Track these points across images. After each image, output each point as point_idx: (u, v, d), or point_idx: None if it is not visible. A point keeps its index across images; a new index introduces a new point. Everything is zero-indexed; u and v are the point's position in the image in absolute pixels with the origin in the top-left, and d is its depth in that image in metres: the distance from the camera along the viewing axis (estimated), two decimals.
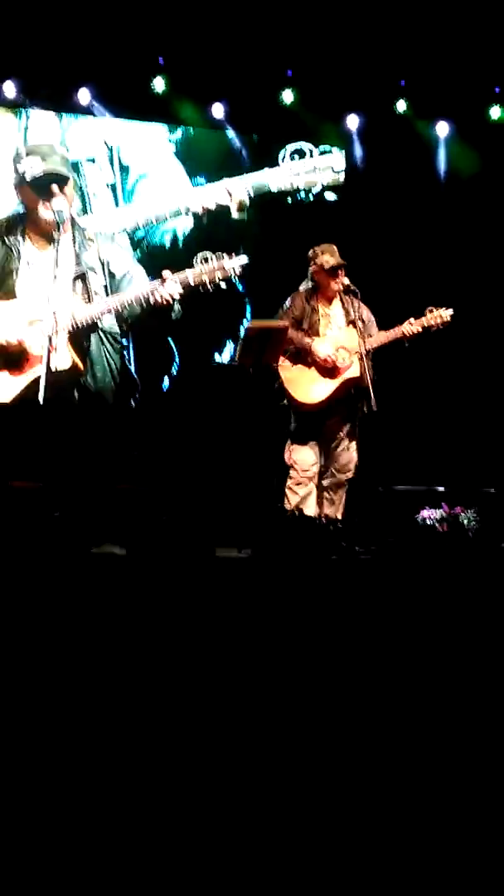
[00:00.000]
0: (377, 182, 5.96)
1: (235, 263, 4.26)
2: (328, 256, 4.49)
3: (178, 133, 5.89)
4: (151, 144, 5.78)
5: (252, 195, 5.74)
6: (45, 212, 4.49)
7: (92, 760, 1.70)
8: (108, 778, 1.65)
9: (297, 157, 5.79)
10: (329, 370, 4.45)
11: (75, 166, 5.29)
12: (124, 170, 5.64)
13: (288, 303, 4.60)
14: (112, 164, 5.62)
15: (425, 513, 4.49)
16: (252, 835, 1.51)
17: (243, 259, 4.28)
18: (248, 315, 5.80)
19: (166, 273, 4.33)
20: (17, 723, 1.81)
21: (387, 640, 2.59)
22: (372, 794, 1.71)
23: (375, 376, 4.52)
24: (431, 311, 4.51)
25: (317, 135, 5.85)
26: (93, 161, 5.57)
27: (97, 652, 2.24)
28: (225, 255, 4.34)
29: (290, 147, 5.79)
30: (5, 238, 4.65)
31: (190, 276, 4.32)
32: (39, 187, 4.47)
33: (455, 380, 5.94)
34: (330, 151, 5.89)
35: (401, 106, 5.85)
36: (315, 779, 1.73)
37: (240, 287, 5.44)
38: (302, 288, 4.63)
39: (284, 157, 5.80)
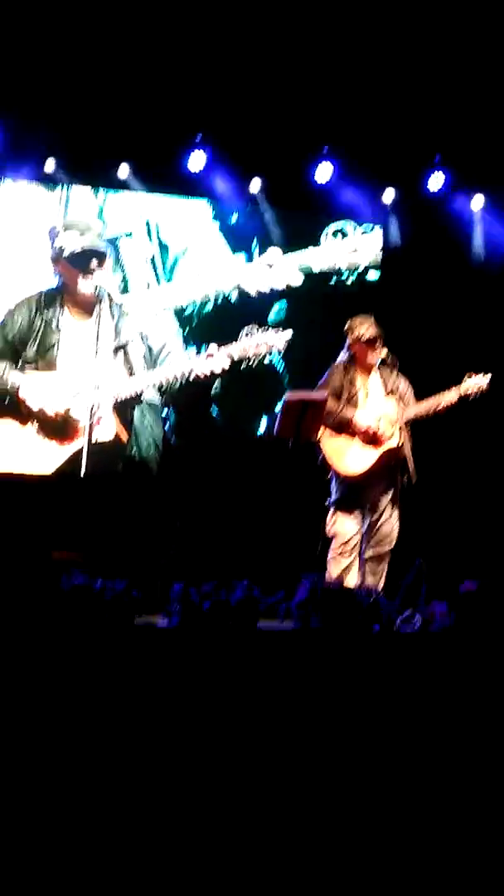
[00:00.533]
0: (413, 257, 6.04)
1: (280, 338, 4.36)
2: (365, 328, 4.55)
3: (216, 210, 5.98)
4: (191, 220, 5.90)
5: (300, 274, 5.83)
6: (84, 286, 4.66)
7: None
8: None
9: (339, 236, 5.90)
10: (371, 440, 4.47)
11: (113, 241, 5.42)
12: (163, 246, 5.79)
13: (326, 375, 4.66)
14: (150, 239, 5.78)
15: (468, 584, 4.41)
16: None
17: (288, 334, 4.38)
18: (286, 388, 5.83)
19: (212, 347, 4.43)
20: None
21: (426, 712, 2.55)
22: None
23: (414, 447, 4.54)
24: (470, 376, 4.52)
25: (353, 211, 5.95)
26: (130, 236, 5.71)
27: (140, 724, 2.23)
28: (270, 328, 4.45)
29: (332, 227, 5.86)
30: (43, 311, 4.82)
31: (235, 349, 4.42)
32: (78, 262, 4.65)
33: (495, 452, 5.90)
34: (371, 230, 5.94)
35: (436, 180, 5.87)
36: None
37: (279, 364, 5.54)
38: (340, 360, 4.69)
39: (326, 236, 5.88)
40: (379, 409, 4.52)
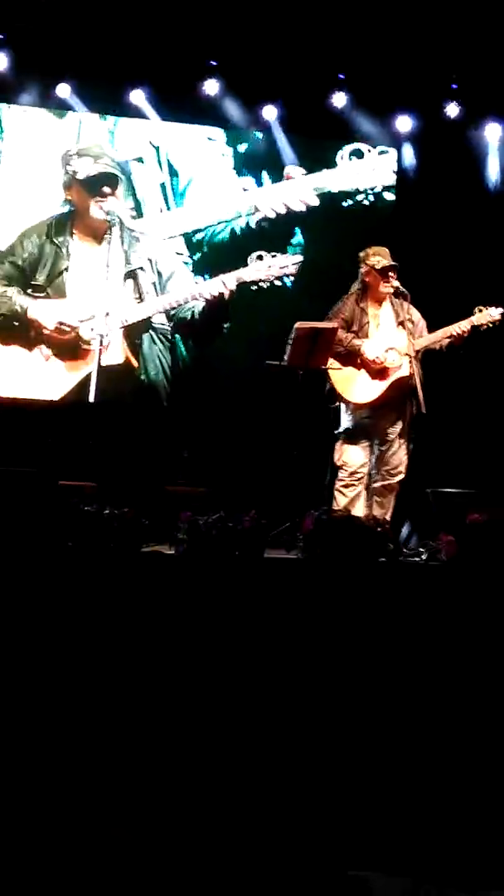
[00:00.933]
0: (427, 185, 5.88)
1: (290, 262, 4.31)
2: (380, 258, 4.47)
3: (228, 136, 5.86)
4: (202, 147, 5.74)
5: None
6: (96, 211, 4.64)
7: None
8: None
9: (354, 157, 5.71)
10: (379, 371, 4.44)
11: (122, 167, 5.36)
12: (174, 172, 5.63)
13: (339, 304, 4.59)
14: (161, 165, 5.61)
15: (474, 516, 4.44)
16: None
17: (298, 258, 4.32)
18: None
19: (223, 275, 4.42)
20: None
21: (431, 643, 2.59)
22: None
23: (425, 379, 4.50)
24: (481, 311, 4.46)
25: (368, 138, 5.79)
26: (141, 161, 5.55)
27: (144, 647, 2.29)
28: (279, 253, 4.39)
29: (348, 148, 5.69)
30: (54, 238, 4.79)
31: (245, 274, 4.39)
32: (91, 187, 4.60)
33: None
34: (387, 152, 5.81)
35: (452, 109, 5.71)
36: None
37: (289, 284, 5.42)
38: (352, 290, 4.61)
39: (342, 157, 5.71)
40: (389, 339, 4.48)
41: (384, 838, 1.55)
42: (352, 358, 4.46)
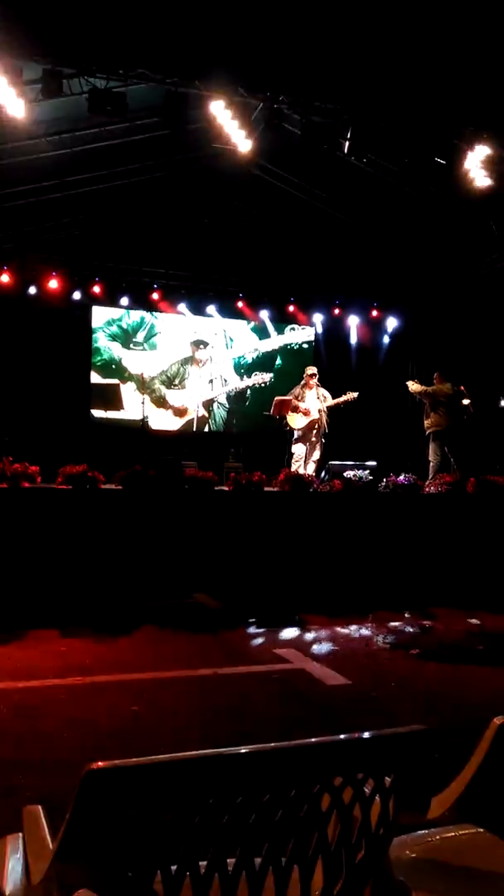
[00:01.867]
0: (329, 342, 13.31)
1: (267, 376, 11.46)
2: (310, 370, 11.33)
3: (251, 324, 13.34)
4: (238, 327, 13.42)
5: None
6: (200, 354, 11.89)
7: None
8: None
9: (292, 329, 13.24)
10: (305, 415, 11.17)
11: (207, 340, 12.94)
12: (228, 337, 13.20)
13: (293, 389, 11.42)
14: (225, 334, 13.20)
15: (349, 473, 10.96)
16: None
17: (269, 375, 11.47)
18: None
19: (246, 380, 11.67)
20: None
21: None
22: None
23: (329, 419, 11.19)
24: (347, 393, 11.15)
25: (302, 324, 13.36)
26: (216, 335, 13.24)
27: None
28: (263, 372, 11.59)
29: (290, 326, 13.29)
30: (183, 365, 12.17)
31: (251, 381, 11.53)
32: (198, 344, 11.91)
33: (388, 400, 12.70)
34: (309, 327, 13.56)
35: (336, 311, 13.32)
36: None
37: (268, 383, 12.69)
38: (300, 383, 11.43)
39: (293, 329, 13.27)
40: (312, 403, 11.21)
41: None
42: (296, 410, 11.21)
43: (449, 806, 1.70)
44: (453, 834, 1.75)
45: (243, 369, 13.73)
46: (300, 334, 14.12)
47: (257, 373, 13.11)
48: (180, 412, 12.94)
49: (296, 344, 13.93)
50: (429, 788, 1.51)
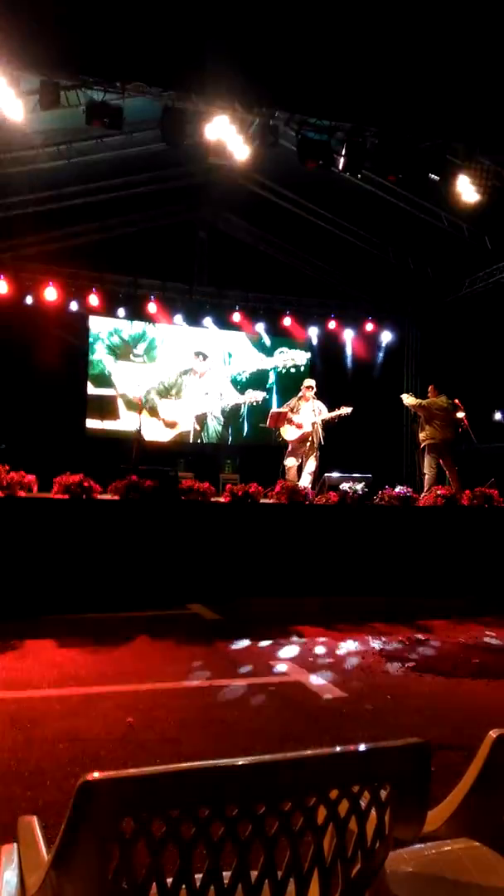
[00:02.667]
0: (325, 357, 13.36)
1: (261, 394, 11.56)
2: (307, 382, 11.35)
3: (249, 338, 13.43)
4: (236, 340, 13.46)
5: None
6: (199, 366, 11.95)
7: None
8: None
9: (286, 349, 13.29)
10: (299, 427, 11.17)
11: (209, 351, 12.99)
12: (228, 352, 13.26)
13: (289, 402, 11.43)
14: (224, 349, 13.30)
15: (345, 485, 10.97)
16: None
17: (262, 393, 11.51)
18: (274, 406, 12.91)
19: (242, 396, 11.73)
20: None
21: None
22: None
23: (324, 432, 11.21)
24: (340, 407, 11.17)
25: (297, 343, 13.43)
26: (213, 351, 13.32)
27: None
28: (256, 390, 11.71)
29: (282, 348, 13.42)
30: (182, 375, 12.22)
31: (247, 397, 11.57)
32: (199, 357, 11.98)
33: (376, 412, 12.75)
34: (305, 347, 13.57)
35: (332, 323, 13.45)
36: None
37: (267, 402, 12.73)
38: (296, 396, 11.45)
39: (283, 352, 13.33)
40: (306, 416, 11.23)
41: None
42: (291, 422, 11.22)
43: (445, 820, 1.70)
44: (449, 848, 1.75)
45: (239, 386, 13.94)
46: (296, 354, 14.33)
47: (250, 390, 13.42)
48: (170, 425, 13.15)
49: (292, 366, 14.13)
50: (425, 802, 1.51)
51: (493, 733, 1.72)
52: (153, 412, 12.95)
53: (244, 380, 13.85)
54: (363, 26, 7.89)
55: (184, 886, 1.26)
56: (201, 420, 13.26)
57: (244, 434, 13.70)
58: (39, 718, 4.16)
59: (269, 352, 14.17)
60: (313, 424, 11.06)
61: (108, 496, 8.26)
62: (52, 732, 3.94)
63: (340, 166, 9.73)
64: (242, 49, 7.88)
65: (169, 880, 1.26)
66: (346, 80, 8.47)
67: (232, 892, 1.30)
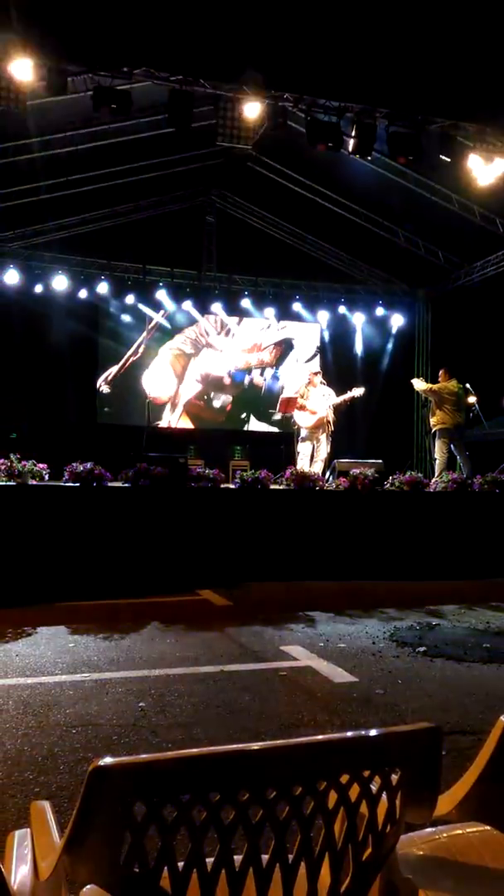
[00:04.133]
0: (334, 339, 13.23)
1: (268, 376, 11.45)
2: (314, 369, 11.32)
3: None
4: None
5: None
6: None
7: None
8: None
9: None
10: (312, 413, 11.15)
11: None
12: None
13: (299, 388, 11.41)
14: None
15: (355, 471, 10.95)
16: None
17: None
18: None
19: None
20: None
21: None
22: None
23: (335, 417, 11.18)
24: (352, 389, 11.13)
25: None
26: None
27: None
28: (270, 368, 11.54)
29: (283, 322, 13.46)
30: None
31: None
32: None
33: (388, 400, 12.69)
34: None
35: (342, 308, 13.29)
36: None
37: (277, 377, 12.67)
38: (303, 382, 11.42)
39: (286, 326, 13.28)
40: (318, 401, 11.19)
41: None
42: (303, 408, 11.19)
43: (456, 804, 1.70)
44: (461, 832, 1.75)
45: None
46: (307, 328, 14.21)
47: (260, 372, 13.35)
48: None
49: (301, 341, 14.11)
50: (436, 786, 1.50)
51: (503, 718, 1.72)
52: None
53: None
54: (372, 6, 7.80)
55: (195, 870, 1.27)
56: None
57: (258, 414, 13.76)
58: (52, 704, 4.19)
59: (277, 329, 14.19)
60: (327, 409, 11.03)
61: (118, 483, 8.28)
62: (65, 718, 3.96)
63: (350, 148, 9.64)
64: (250, 31, 7.80)
65: (180, 864, 1.27)
66: (356, 61, 8.38)
67: (243, 876, 1.30)
